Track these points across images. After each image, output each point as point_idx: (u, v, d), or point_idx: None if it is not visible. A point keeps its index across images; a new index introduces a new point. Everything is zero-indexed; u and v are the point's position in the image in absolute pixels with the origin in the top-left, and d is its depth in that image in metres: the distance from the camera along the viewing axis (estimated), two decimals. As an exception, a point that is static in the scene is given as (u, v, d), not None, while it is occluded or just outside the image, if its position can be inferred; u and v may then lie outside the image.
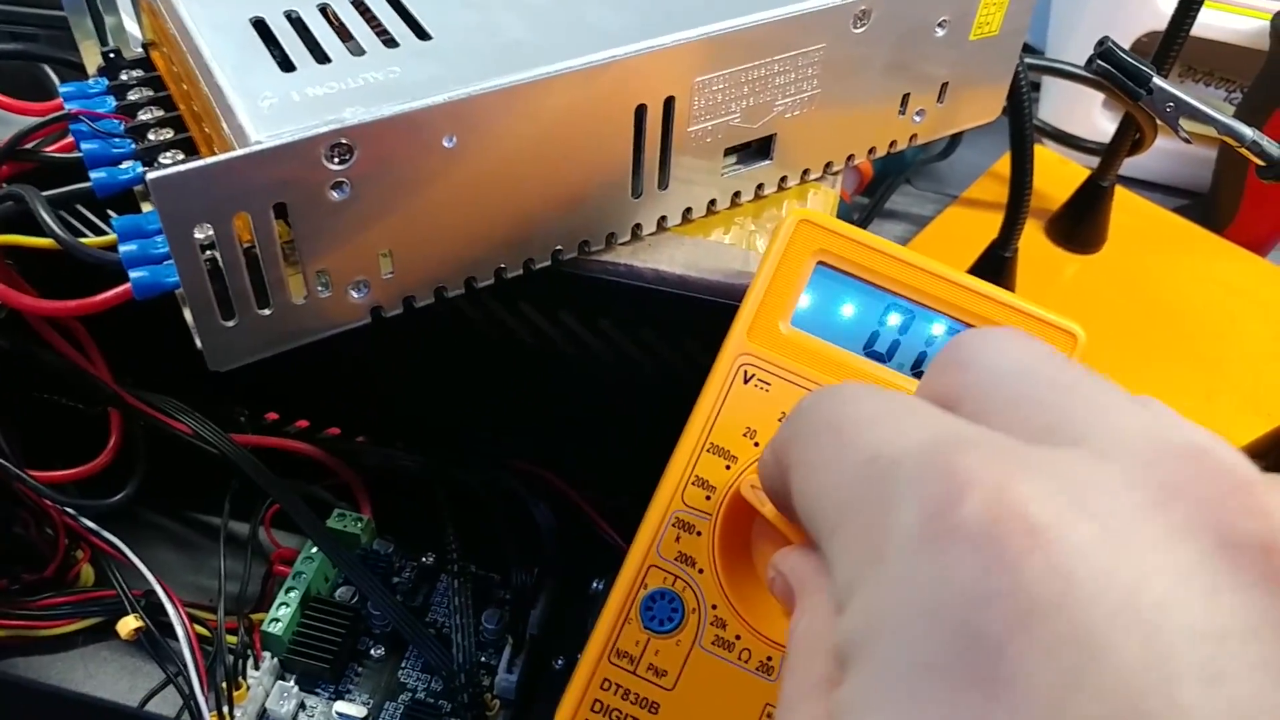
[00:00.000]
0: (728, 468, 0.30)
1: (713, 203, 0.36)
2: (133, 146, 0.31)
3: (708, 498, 0.30)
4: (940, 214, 0.64)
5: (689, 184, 0.35)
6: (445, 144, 0.29)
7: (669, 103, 0.32)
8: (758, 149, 0.36)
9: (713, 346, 0.36)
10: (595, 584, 0.39)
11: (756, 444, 0.30)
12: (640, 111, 0.32)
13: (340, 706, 0.38)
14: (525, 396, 0.42)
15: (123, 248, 0.28)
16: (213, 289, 0.28)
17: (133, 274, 0.28)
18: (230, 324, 0.29)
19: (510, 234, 0.32)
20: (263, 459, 0.41)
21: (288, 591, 0.39)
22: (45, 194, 0.31)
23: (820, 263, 0.32)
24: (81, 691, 0.39)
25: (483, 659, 0.40)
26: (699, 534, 0.30)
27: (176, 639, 0.36)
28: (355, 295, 0.30)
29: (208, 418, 0.40)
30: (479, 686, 0.36)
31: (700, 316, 0.35)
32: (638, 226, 0.35)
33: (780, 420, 0.30)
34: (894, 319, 0.31)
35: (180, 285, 0.27)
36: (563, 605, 0.42)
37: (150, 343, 0.36)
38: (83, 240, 0.30)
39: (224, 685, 0.36)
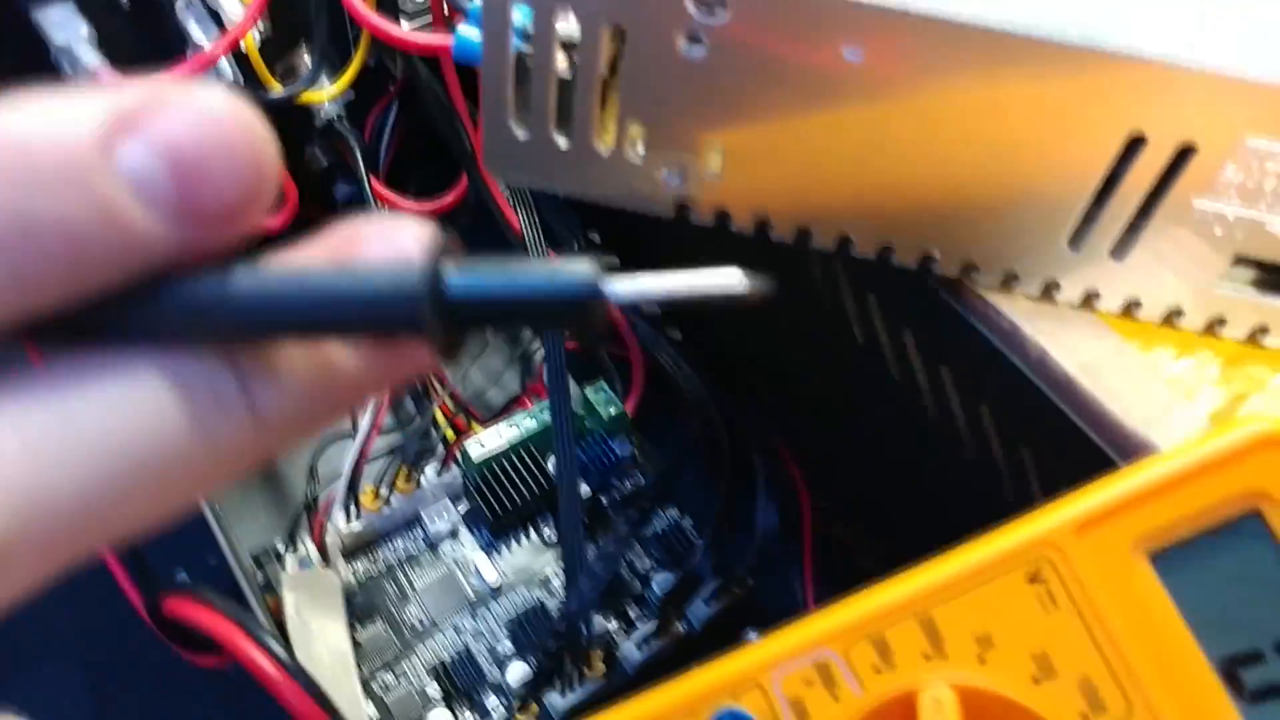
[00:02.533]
0: (927, 657, 0.21)
1: (1177, 314, 0.26)
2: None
3: (877, 670, 0.22)
4: None
5: (1157, 270, 0.25)
6: (845, 54, 0.22)
7: (1184, 153, 0.22)
8: (1288, 280, 0.25)
9: (1057, 483, 0.27)
10: (753, 635, 0.32)
11: (984, 661, 0.21)
12: (1135, 145, 0.22)
13: (481, 561, 0.36)
14: (828, 393, 0.35)
15: (472, 2, 0.25)
16: (513, 83, 0.24)
17: (462, 31, 0.25)
18: (521, 133, 0.25)
19: (876, 203, 0.25)
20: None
21: (510, 425, 0.37)
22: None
23: (1256, 512, 0.20)
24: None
25: (630, 614, 0.36)
26: (836, 699, 0.22)
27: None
28: (667, 179, 0.25)
29: (546, 224, 0.37)
30: (583, 636, 0.32)
31: (1061, 441, 0.25)
32: (1054, 285, 0.26)
33: (1037, 659, 0.21)
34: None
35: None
36: (740, 620, 0.35)
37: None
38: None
39: (399, 467, 0.35)
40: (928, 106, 0.22)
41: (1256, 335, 0.26)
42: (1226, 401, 0.25)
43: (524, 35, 0.23)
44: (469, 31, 0.25)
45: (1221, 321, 0.26)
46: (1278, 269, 0.25)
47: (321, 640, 0.29)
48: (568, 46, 0.23)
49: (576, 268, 0.12)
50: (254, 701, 0.28)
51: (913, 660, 0.22)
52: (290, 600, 0.29)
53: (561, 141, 0.25)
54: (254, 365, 0.13)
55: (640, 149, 0.25)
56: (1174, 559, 0.21)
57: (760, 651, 0.23)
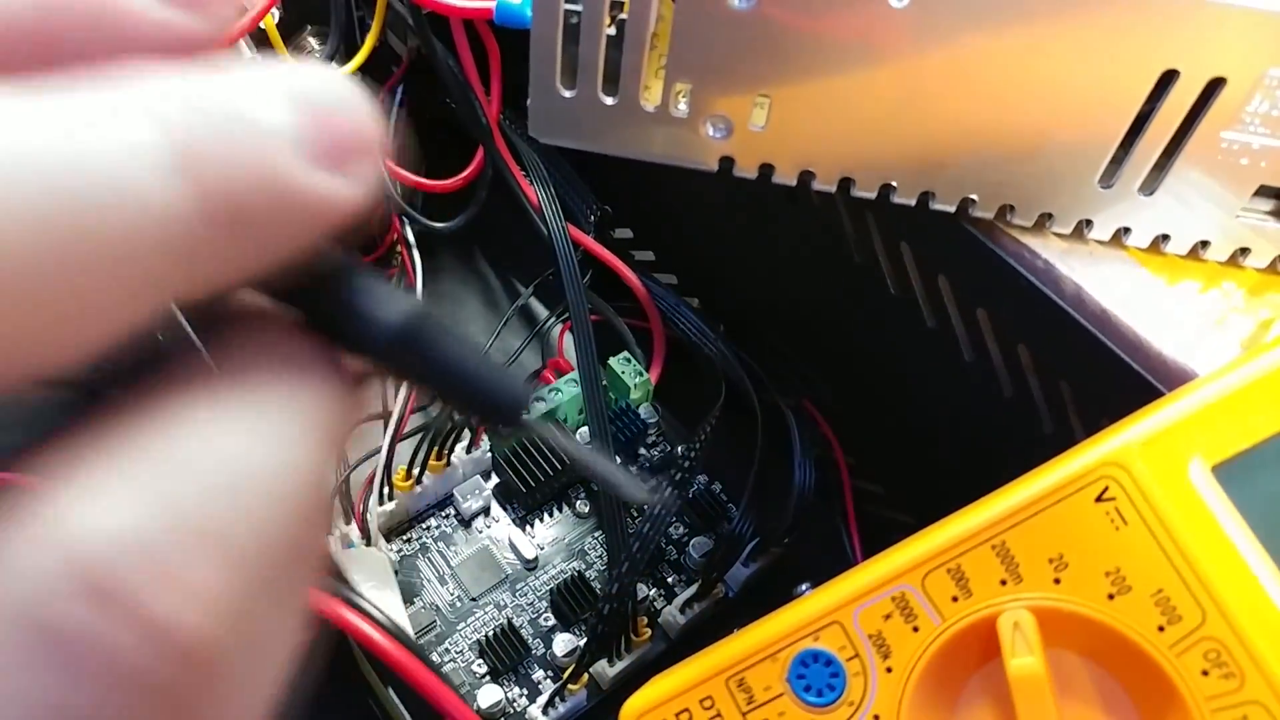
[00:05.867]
0: (1003, 583, 0.22)
1: (1204, 245, 0.27)
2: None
3: (954, 599, 0.22)
4: None
5: (1184, 204, 0.26)
6: (892, 0, 0.22)
7: (1214, 86, 0.23)
8: (1310, 208, 0.26)
9: (1098, 418, 0.28)
10: (804, 587, 0.33)
11: (1058, 581, 0.22)
12: (1167, 80, 0.23)
13: (516, 536, 0.36)
14: (859, 346, 0.35)
15: (512, -36, 0.25)
16: (562, 45, 0.24)
17: (504, -6, 0.25)
18: (568, 94, 0.25)
19: (920, 150, 0.25)
20: (589, 268, 0.38)
21: (536, 400, 0.37)
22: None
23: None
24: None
25: (669, 580, 0.36)
26: (916, 630, 0.23)
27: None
28: (712, 132, 0.25)
29: (558, 198, 0.38)
30: (630, 597, 0.32)
31: (1101, 373, 0.26)
32: (1087, 223, 0.26)
33: (1110, 576, 0.21)
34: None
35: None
36: (777, 580, 0.36)
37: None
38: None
39: (428, 447, 0.35)
40: (971, 50, 0.23)
41: (1277, 264, 0.27)
42: (1255, 328, 0.26)
43: (572, -5, 0.23)
44: (511, -6, 0.25)
45: (1245, 251, 0.27)
46: (1298, 197, 0.26)
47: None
48: (615, 5, 0.24)
49: (518, 389, 0.13)
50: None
51: (989, 587, 0.23)
52: (353, 576, 0.29)
53: (608, 100, 0.25)
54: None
55: (686, 105, 0.25)
56: (1237, 470, 0.21)
57: (838, 590, 0.24)
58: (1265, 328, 0.27)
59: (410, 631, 0.31)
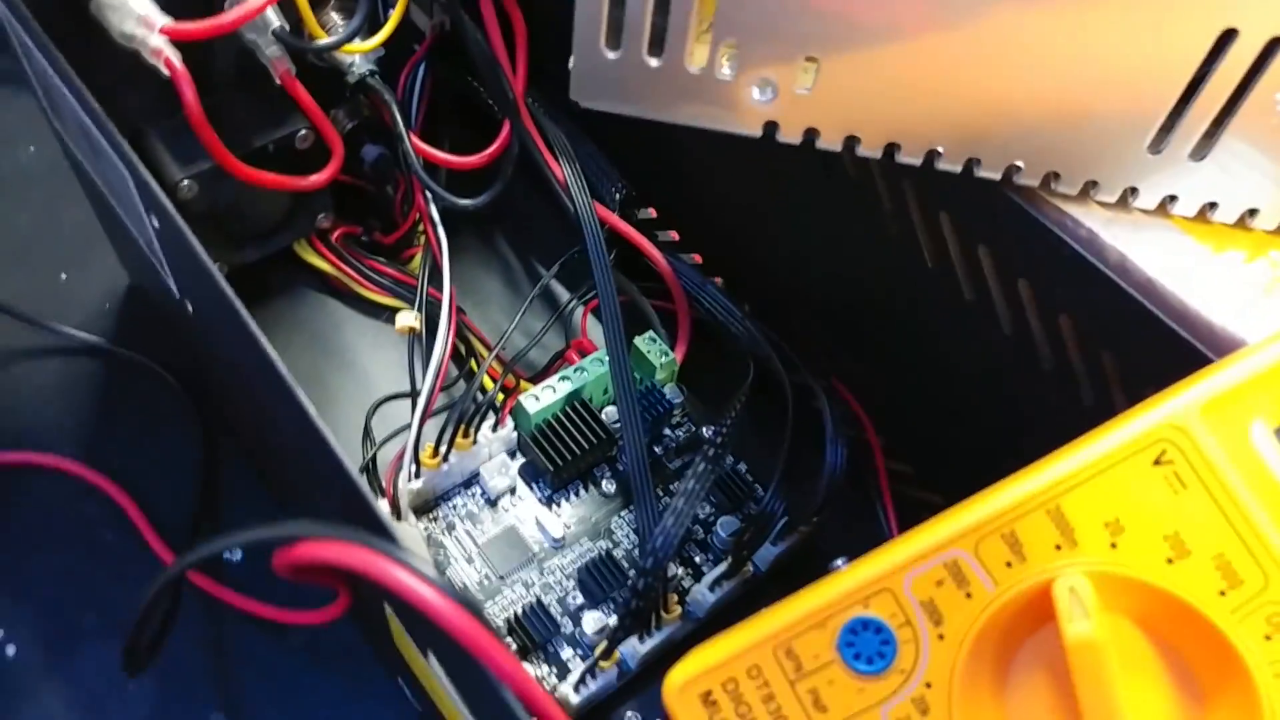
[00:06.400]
0: (1058, 548, 0.22)
1: (1253, 213, 0.26)
2: None
3: (1008, 564, 0.22)
4: None
5: (1234, 170, 0.25)
6: (947, -42, 0.22)
7: (1274, 46, 0.23)
8: (1363, 173, 0.25)
9: (1141, 389, 0.27)
10: (840, 561, 0.32)
11: (1114, 546, 0.21)
12: (1225, 40, 0.23)
13: (543, 515, 0.35)
14: (893, 323, 0.35)
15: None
16: (608, 6, 0.24)
17: (547, -45, 0.25)
18: (612, 55, 0.25)
19: (967, 115, 0.25)
20: (613, 246, 0.38)
21: (561, 379, 0.37)
22: None
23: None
24: (356, 360, 0.40)
25: (696, 560, 0.35)
26: (969, 596, 0.22)
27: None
28: (757, 95, 0.25)
29: (588, 178, 0.37)
30: (665, 572, 0.31)
31: (1146, 341, 0.26)
32: (1132, 191, 0.26)
33: (1169, 541, 0.21)
34: None
35: (577, -18, 0.23)
36: (805, 559, 0.36)
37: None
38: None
39: (455, 425, 0.34)
40: (1022, 13, 0.23)
41: (1325, 233, 0.27)
42: (1307, 296, 0.26)
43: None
44: (554, -45, 0.25)
45: (1293, 220, 0.26)
46: (1347, 166, 0.25)
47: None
48: (662, -36, 0.23)
49: None
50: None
51: (1044, 552, 0.22)
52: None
53: (653, 62, 0.25)
54: None
55: (731, 67, 0.25)
56: (1297, 432, 0.21)
57: (887, 557, 0.23)
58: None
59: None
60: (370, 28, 0.36)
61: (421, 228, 0.39)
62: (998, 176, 0.26)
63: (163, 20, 0.29)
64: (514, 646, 0.33)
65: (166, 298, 0.33)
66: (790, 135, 0.26)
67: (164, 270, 0.30)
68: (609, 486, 0.37)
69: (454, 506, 0.36)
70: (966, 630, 0.22)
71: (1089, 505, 0.22)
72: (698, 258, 0.41)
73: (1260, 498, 0.21)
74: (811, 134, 0.26)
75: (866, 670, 0.23)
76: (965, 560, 0.23)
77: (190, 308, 0.30)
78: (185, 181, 0.35)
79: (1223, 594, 0.21)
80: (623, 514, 0.36)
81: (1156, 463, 0.22)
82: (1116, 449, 0.22)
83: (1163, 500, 0.22)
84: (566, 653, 0.33)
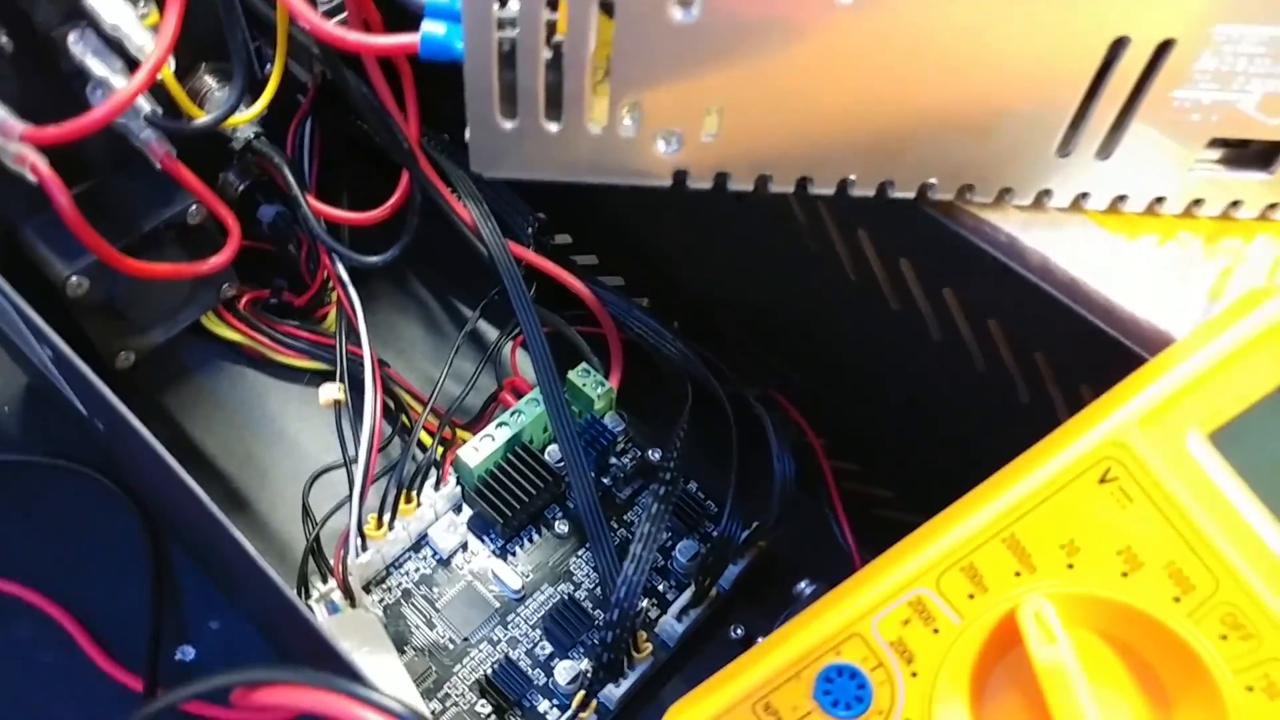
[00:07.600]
0: (1017, 574, 0.22)
1: (1159, 201, 0.27)
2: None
3: (971, 596, 0.22)
4: None
5: (1139, 164, 0.26)
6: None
7: (1164, 48, 0.23)
8: (1258, 155, 0.26)
9: (1075, 384, 0.28)
10: (804, 585, 0.33)
11: (1071, 566, 0.22)
12: (1118, 46, 0.23)
13: (499, 567, 0.35)
14: (822, 332, 0.35)
15: (430, -5, 0.24)
16: (498, 74, 0.23)
17: (425, 26, 0.24)
18: (508, 125, 0.24)
19: (877, 141, 0.25)
20: (533, 280, 0.37)
21: (499, 426, 0.36)
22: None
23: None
24: (284, 431, 0.39)
25: (660, 588, 0.35)
26: (936, 632, 0.22)
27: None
28: (663, 147, 0.25)
29: (494, 212, 0.36)
30: (631, 619, 0.31)
31: (1075, 343, 0.26)
32: (1046, 193, 0.26)
33: (1122, 555, 0.21)
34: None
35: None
36: (766, 572, 0.36)
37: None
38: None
39: (397, 492, 0.34)
40: (921, 31, 0.22)
41: (1229, 211, 0.27)
42: (1216, 278, 0.27)
43: (504, 23, 0.22)
44: (433, 27, 0.24)
45: (1199, 202, 0.27)
46: (1244, 144, 0.26)
47: (382, 682, 0.28)
48: (550, 26, 0.22)
49: None
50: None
51: (1005, 580, 0.22)
52: (343, 645, 0.28)
53: (552, 127, 0.24)
54: None
55: (633, 122, 0.24)
56: (1232, 435, 0.22)
57: (851, 600, 0.23)
58: (1226, 276, 0.27)
59: (415, 691, 0.30)
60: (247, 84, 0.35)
61: (331, 285, 0.38)
62: (912, 195, 0.26)
63: (21, 126, 0.27)
64: (489, 707, 0.32)
65: (72, 410, 0.31)
66: (701, 181, 0.25)
67: (67, 390, 0.28)
68: (562, 527, 0.36)
69: (406, 573, 0.35)
70: (938, 665, 0.23)
71: (1043, 530, 0.22)
72: (620, 280, 0.41)
73: (1202, 504, 0.21)
74: (722, 177, 0.25)
75: (846, 715, 0.23)
76: (929, 597, 0.23)
77: (101, 426, 0.28)
78: (73, 278, 0.33)
79: (1177, 600, 0.21)
80: (580, 553, 0.36)
81: (1102, 480, 0.22)
82: (1063, 471, 0.22)
83: (1112, 517, 0.22)
84: (543, 705, 0.33)
